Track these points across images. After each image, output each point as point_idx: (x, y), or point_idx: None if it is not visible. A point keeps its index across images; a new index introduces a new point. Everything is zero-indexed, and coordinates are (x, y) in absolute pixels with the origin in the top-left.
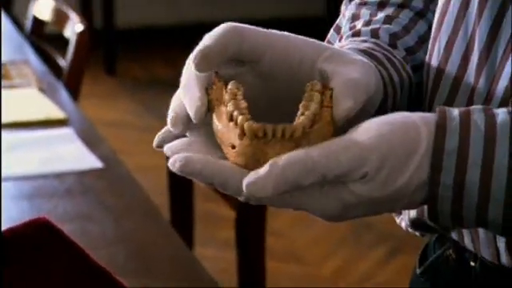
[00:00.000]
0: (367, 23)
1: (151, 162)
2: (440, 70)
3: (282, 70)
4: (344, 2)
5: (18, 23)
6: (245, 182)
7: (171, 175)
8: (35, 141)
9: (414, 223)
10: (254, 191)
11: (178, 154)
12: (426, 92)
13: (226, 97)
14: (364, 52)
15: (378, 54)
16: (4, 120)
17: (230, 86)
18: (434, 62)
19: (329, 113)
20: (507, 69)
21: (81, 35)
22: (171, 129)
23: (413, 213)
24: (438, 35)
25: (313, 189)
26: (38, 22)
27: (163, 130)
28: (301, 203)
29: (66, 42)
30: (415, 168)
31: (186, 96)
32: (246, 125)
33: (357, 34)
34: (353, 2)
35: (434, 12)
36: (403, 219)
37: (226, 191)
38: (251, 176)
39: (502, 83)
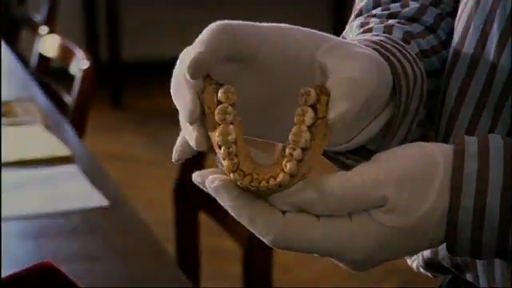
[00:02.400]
0: (380, 23)
1: (157, 195)
2: (456, 108)
3: (279, 64)
4: (349, 21)
5: (23, 60)
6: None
7: (177, 209)
8: (40, 179)
9: (428, 263)
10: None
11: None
12: (440, 126)
13: (216, 117)
14: (375, 43)
15: (389, 47)
16: (9, 158)
17: (219, 96)
18: (449, 100)
19: (324, 126)
20: None
21: (86, 72)
22: (196, 149)
23: (426, 253)
24: (451, 74)
25: (339, 230)
26: (43, 59)
27: (179, 143)
28: (328, 247)
29: (71, 77)
30: (436, 195)
31: (178, 98)
32: (231, 175)
33: (369, 30)
34: (360, 17)
35: (444, 30)
36: (415, 259)
37: (252, 229)
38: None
39: None
